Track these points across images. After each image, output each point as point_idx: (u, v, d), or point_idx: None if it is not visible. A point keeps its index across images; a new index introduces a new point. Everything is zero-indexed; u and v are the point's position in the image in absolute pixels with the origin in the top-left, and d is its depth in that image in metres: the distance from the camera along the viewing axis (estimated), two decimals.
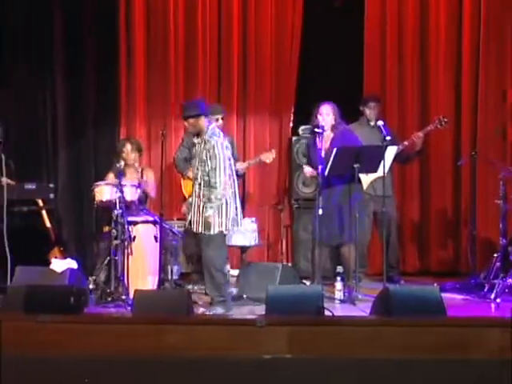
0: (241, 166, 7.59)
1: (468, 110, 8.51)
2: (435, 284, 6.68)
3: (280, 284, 6.68)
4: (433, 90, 8.61)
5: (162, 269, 6.88)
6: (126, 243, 6.72)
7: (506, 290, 6.79)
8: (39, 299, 4.76)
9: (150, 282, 6.87)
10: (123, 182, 6.88)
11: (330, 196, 6.90)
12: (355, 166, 6.74)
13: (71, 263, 6.80)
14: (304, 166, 7.15)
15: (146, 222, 7.10)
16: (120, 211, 6.69)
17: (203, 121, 6.40)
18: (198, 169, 6.39)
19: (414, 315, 4.53)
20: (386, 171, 6.94)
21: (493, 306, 6.65)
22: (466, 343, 4.16)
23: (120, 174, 6.92)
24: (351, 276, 6.96)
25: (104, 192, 6.88)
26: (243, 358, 4.15)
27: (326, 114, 7.04)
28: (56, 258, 7.16)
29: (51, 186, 7.66)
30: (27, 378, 4.15)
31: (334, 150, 6.73)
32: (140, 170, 7.48)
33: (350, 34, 8.65)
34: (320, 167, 6.81)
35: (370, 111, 7.77)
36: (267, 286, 5.08)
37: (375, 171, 7.05)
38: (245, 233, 7.18)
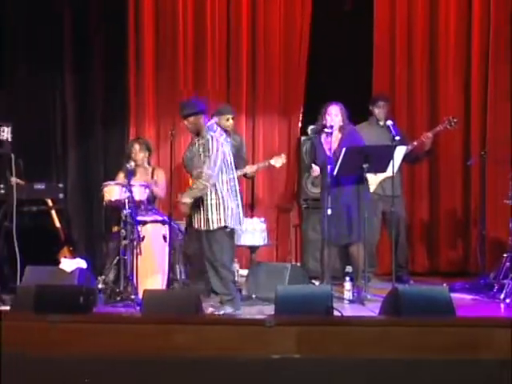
0: (250, 169, 7.59)
1: (477, 110, 8.49)
2: (444, 284, 6.68)
3: (289, 284, 6.68)
4: (442, 91, 8.59)
5: (171, 268, 6.89)
6: (135, 243, 6.72)
7: None
8: (49, 299, 4.77)
9: (158, 282, 6.88)
10: (132, 182, 6.88)
11: (338, 196, 6.90)
12: (364, 165, 6.74)
13: (80, 263, 6.83)
14: (313, 166, 7.14)
15: (155, 221, 7.11)
16: (129, 211, 6.70)
17: (202, 119, 6.40)
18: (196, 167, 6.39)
19: (423, 315, 4.52)
20: (395, 171, 6.93)
21: (502, 306, 6.64)
22: (475, 343, 4.15)
23: (130, 174, 6.92)
24: (360, 275, 6.97)
25: (113, 192, 6.89)
26: (252, 358, 4.15)
27: (335, 115, 7.03)
28: (65, 257, 7.18)
29: (61, 185, 7.67)
30: (37, 377, 4.16)
31: (343, 149, 6.73)
32: (151, 170, 7.51)
33: (359, 36, 8.64)
34: (329, 167, 6.81)
35: (379, 110, 7.76)
36: (276, 286, 5.08)
37: (384, 171, 7.05)
38: (254, 233, 7.19)
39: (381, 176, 7.45)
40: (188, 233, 7.00)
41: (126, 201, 6.71)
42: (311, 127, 7.48)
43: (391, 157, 6.81)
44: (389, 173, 6.98)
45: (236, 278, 7.65)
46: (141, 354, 4.18)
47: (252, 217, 7.76)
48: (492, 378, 4.06)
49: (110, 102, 8.49)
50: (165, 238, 6.96)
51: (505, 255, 7.07)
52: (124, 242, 6.74)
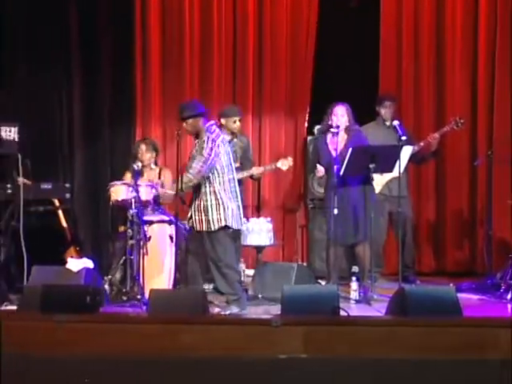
0: (256, 170, 7.59)
1: (484, 110, 8.48)
2: (451, 284, 6.66)
3: (295, 284, 6.67)
4: (449, 89, 8.58)
5: (178, 268, 6.89)
6: (141, 243, 6.73)
7: None
8: (55, 299, 4.78)
9: (165, 282, 6.88)
10: (139, 182, 6.89)
11: (344, 196, 6.89)
12: (371, 165, 6.73)
13: (87, 263, 6.83)
14: (317, 166, 7.14)
15: (162, 221, 7.11)
16: (135, 211, 6.71)
17: (202, 121, 6.41)
18: None
19: (429, 315, 4.52)
20: (402, 171, 6.93)
21: (509, 306, 6.63)
22: (481, 343, 4.14)
23: (137, 175, 6.93)
24: (366, 275, 6.96)
25: (119, 192, 6.89)
26: (258, 358, 4.15)
27: (341, 115, 7.03)
28: (72, 257, 7.18)
29: (67, 185, 7.67)
30: (43, 377, 4.17)
31: (350, 149, 6.72)
32: (158, 171, 7.51)
33: (365, 32, 8.63)
34: (335, 167, 6.81)
35: (385, 110, 7.75)
36: (283, 286, 5.08)
37: (391, 171, 7.04)
38: (260, 233, 7.18)
39: (387, 176, 7.45)
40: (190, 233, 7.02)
41: (133, 201, 6.72)
42: (317, 127, 7.49)
43: (398, 157, 6.80)
44: (395, 173, 6.98)
45: (242, 278, 7.66)
46: (147, 354, 4.19)
47: (258, 217, 7.76)
48: (499, 378, 4.05)
49: (116, 103, 8.49)
50: (171, 237, 6.96)
51: (511, 255, 7.06)
52: (130, 242, 6.75)
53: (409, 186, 7.86)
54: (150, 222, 7.00)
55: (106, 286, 6.80)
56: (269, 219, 7.41)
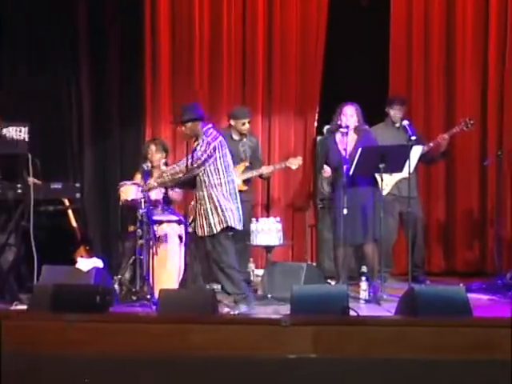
0: (266, 169, 7.62)
1: (494, 110, 8.46)
2: (461, 284, 6.64)
3: (305, 284, 6.68)
4: (459, 89, 8.57)
5: (187, 268, 6.89)
6: (151, 243, 6.75)
7: None
8: (65, 298, 4.79)
9: (175, 282, 6.89)
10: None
11: (353, 196, 6.88)
12: (380, 165, 6.72)
13: (97, 262, 6.85)
14: (324, 166, 7.13)
15: (171, 221, 7.12)
16: (145, 211, 6.72)
17: (200, 125, 6.41)
18: None
19: (439, 315, 4.51)
20: (411, 171, 6.92)
21: None
22: (492, 344, 4.13)
23: (146, 175, 6.95)
24: (375, 275, 6.97)
25: (129, 191, 6.91)
26: (268, 358, 4.14)
27: (350, 116, 7.03)
28: (82, 257, 7.21)
29: (77, 185, 7.68)
30: (53, 377, 4.18)
31: (359, 149, 6.72)
32: None
33: (375, 32, 8.62)
34: (345, 167, 6.80)
35: (394, 112, 7.72)
36: (292, 286, 5.08)
37: (400, 171, 7.03)
38: (269, 232, 7.18)
39: (397, 176, 7.44)
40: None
41: (142, 200, 6.73)
42: (327, 127, 7.49)
43: (407, 156, 6.80)
44: (405, 173, 6.97)
45: (252, 278, 7.69)
46: (157, 354, 4.19)
47: (268, 216, 7.76)
48: (509, 378, 4.04)
49: (126, 102, 8.51)
50: (181, 237, 6.98)
51: None
52: (140, 242, 6.76)
53: (418, 186, 7.85)
54: (160, 222, 7.01)
55: (116, 286, 6.81)
56: (278, 219, 7.40)
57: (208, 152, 6.28)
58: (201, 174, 6.34)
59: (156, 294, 6.04)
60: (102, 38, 8.50)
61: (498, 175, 7.73)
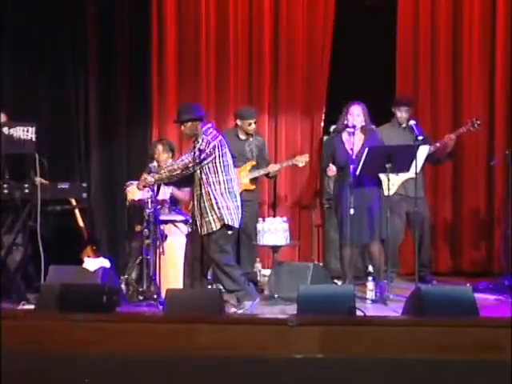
0: (273, 168, 7.63)
1: (501, 110, 8.45)
2: (468, 284, 6.65)
3: (311, 284, 6.67)
4: (466, 89, 8.55)
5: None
6: (157, 242, 6.75)
7: None
8: (72, 298, 4.80)
9: (181, 281, 6.89)
10: None
11: (360, 195, 6.88)
12: (387, 165, 6.71)
13: (104, 262, 6.85)
14: (330, 165, 7.12)
15: (178, 221, 7.12)
16: (152, 210, 6.72)
17: (200, 125, 6.41)
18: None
19: (446, 315, 4.50)
20: (418, 171, 6.91)
21: None
22: (498, 344, 4.12)
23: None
24: (382, 275, 6.97)
25: (136, 191, 6.92)
26: (274, 358, 4.14)
27: (357, 115, 7.02)
28: (89, 257, 7.22)
29: (84, 185, 7.69)
30: (60, 376, 4.19)
31: (366, 149, 6.72)
32: None
33: (382, 31, 8.62)
34: (351, 167, 6.80)
35: (401, 113, 7.71)
36: (299, 286, 5.08)
37: (407, 171, 7.03)
38: (276, 232, 7.18)
39: (403, 176, 7.44)
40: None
41: (149, 200, 6.74)
42: (333, 127, 7.49)
43: (414, 156, 6.79)
44: (411, 173, 6.97)
45: (259, 278, 7.70)
46: (163, 354, 4.19)
47: (274, 216, 7.76)
48: None
49: (133, 103, 8.53)
50: (187, 237, 6.97)
51: None
52: (147, 242, 6.77)
53: (425, 186, 7.84)
54: (167, 222, 7.02)
55: (123, 286, 6.82)
56: (285, 219, 7.40)
57: (207, 150, 6.28)
58: (199, 172, 6.34)
59: (163, 294, 6.04)
60: (110, 40, 8.52)
61: (504, 175, 7.72)
